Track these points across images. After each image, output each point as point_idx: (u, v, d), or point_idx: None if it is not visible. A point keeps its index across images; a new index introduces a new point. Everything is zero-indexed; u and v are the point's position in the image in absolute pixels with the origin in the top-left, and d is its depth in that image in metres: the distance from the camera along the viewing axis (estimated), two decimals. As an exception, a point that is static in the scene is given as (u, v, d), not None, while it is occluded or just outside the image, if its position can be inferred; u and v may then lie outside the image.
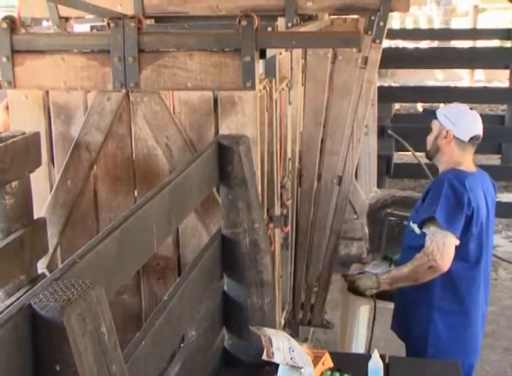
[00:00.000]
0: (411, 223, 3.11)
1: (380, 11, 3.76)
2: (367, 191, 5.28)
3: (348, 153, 4.18)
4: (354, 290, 3.36)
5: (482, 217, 3.00)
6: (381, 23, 3.93)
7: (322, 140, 4.16)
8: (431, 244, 2.93)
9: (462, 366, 2.69)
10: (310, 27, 3.68)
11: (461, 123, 3.03)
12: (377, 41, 4.02)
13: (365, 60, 4.04)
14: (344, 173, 4.20)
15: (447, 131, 3.03)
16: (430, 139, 3.12)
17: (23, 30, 2.73)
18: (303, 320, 4.38)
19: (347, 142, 4.17)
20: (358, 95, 4.11)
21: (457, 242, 2.93)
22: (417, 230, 3.02)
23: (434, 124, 3.09)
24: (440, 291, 3.04)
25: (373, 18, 3.97)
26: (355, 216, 5.31)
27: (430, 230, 2.95)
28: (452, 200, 2.93)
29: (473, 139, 3.04)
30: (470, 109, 3.13)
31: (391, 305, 3.29)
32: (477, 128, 3.05)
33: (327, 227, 4.24)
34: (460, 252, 2.96)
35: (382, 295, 3.36)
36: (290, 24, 3.63)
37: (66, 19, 3.76)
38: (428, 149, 3.14)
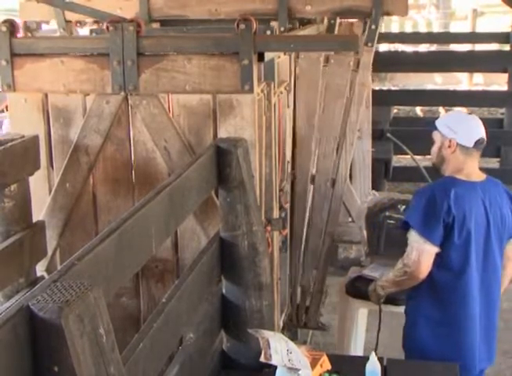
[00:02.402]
0: None
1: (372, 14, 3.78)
2: (362, 195, 5.29)
3: (341, 156, 4.18)
4: (352, 293, 3.36)
5: (470, 227, 2.91)
6: (373, 27, 3.93)
7: (315, 143, 4.16)
8: (408, 250, 2.93)
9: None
10: (309, 31, 3.70)
11: (462, 129, 2.98)
12: (369, 44, 4.03)
13: (358, 63, 4.05)
14: (338, 176, 4.20)
15: (450, 141, 2.97)
16: (434, 150, 3.05)
17: (28, 34, 2.74)
18: (299, 323, 4.38)
19: (341, 145, 4.17)
20: (350, 98, 4.11)
21: (435, 249, 2.89)
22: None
23: (436, 135, 3.03)
24: (425, 298, 3.01)
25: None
26: (350, 219, 5.32)
27: (411, 236, 2.94)
28: (427, 207, 2.89)
29: (477, 143, 2.97)
30: (469, 113, 3.09)
31: (392, 309, 3.29)
32: (480, 132, 2.99)
33: (322, 229, 4.24)
34: (442, 260, 2.93)
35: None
36: (282, 28, 3.64)
37: (68, 22, 3.78)
38: (434, 161, 3.08)
